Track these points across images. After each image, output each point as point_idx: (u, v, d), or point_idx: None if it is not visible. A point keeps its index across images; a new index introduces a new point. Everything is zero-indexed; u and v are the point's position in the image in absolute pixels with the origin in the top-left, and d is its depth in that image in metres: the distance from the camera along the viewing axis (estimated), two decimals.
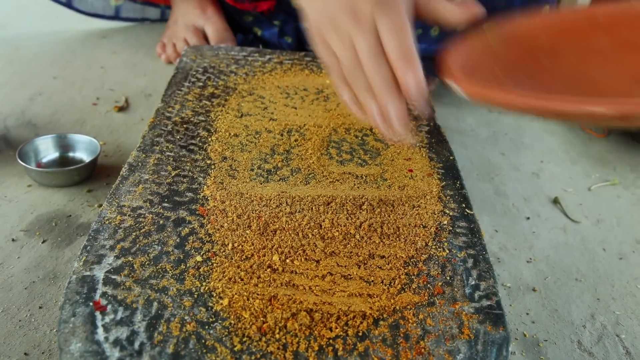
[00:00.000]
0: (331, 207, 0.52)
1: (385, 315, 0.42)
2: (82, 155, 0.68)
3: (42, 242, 0.57)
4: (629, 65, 0.59)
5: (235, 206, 0.50)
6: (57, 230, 0.59)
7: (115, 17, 1.10)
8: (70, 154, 0.68)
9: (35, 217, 0.60)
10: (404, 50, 0.45)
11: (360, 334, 0.40)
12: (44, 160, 0.67)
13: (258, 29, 0.98)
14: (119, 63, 0.98)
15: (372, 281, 0.45)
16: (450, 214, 0.53)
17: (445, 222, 0.52)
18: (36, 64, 0.95)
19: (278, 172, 0.56)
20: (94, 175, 0.67)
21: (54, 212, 0.61)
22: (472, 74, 0.52)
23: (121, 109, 0.83)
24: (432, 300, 0.44)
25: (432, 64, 0.94)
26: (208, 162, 0.56)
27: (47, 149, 0.67)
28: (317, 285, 0.44)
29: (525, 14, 0.64)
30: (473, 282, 0.46)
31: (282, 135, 0.62)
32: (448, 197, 0.55)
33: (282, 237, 0.48)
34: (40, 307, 0.50)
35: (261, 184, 0.54)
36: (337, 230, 0.49)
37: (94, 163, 0.66)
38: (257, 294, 0.42)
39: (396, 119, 0.47)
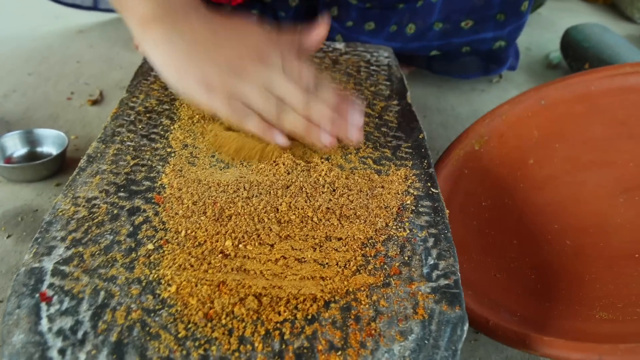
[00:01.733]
0: (290, 190, 0.51)
1: (337, 298, 0.41)
2: (52, 149, 0.68)
3: (7, 237, 0.57)
4: (621, 162, 0.58)
5: (192, 193, 0.50)
6: (23, 225, 0.58)
7: (94, 7, 1.10)
8: (39, 149, 0.68)
9: (2, 213, 0.60)
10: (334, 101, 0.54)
11: (309, 317, 0.39)
12: (15, 155, 0.67)
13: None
14: (95, 57, 0.97)
15: (327, 264, 0.44)
16: (415, 193, 0.52)
17: (409, 201, 0.51)
18: (12, 61, 0.94)
19: None
20: (64, 168, 0.67)
21: (21, 207, 0.61)
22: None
23: (95, 103, 0.83)
24: (387, 281, 0.43)
25: (408, 58, 0.93)
26: (168, 150, 0.56)
27: (14, 145, 0.67)
28: (268, 270, 0.43)
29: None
30: (432, 262, 0.45)
31: None
32: (414, 177, 0.54)
33: (237, 222, 0.47)
34: (1, 301, 0.50)
35: (221, 169, 0.53)
36: (294, 214, 0.48)
37: (61, 157, 0.65)
38: (206, 280, 0.41)
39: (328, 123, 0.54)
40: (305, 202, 0.50)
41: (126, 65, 0.95)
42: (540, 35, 1.20)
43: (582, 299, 0.50)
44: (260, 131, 0.53)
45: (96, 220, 0.46)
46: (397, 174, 0.54)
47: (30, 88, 0.86)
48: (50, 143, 0.67)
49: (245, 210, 0.48)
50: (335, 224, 0.48)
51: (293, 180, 0.52)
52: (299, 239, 0.46)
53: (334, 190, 0.51)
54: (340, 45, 0.83)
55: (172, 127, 0.59)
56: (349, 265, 0.44)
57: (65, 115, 0.79)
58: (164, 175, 0.52)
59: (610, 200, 0.57)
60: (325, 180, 0.52)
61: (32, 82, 0.88)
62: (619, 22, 1.32)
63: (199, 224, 0.46)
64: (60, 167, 0.66)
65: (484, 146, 0.64)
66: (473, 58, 0.91)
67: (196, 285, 0.41)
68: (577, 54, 0.96)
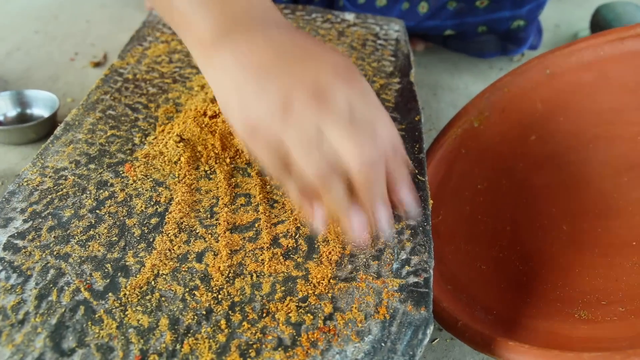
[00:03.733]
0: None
1: (295, 290, 0.39)
2: (43, 112, 0.67)
3: None
4: (628, 135, 0.53)
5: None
6: (2, 189, 0.58)
7: None
8: (29, 111, 0.67)
9: None
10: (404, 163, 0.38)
11: (264, 310, 0.38)
12: (7, 116, 0.66)
13: None
14: (105, 17, 0.96)
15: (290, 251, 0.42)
16: None
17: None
18: (20, 19, 0.93)
19: None
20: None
21: (3, 170, 0.60)
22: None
23: (97, 65, 0.81)
24: (352, 275, 0.41)
25: (423, 36, 0.87)
26: (150, 121, 0.54)
27: (5, 106, 0.66)
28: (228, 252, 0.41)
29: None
30: (404, 257, 0.42)
31: None
32: None
33: (203, 204, 0.45)
34: None
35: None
36: (265, 200, 0.46)
37: (51, 120, 0.64)
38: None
39: (386, 224, 0.38)
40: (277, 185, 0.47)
41: (136, 26, 0.92)
42: (572, 12, 1.13)
43: (566, 294, 0.47)
44: (298, 202, 0.39)
45: (60, 193, 0.45)
46: None
47: (34, 47, 0.85)
48: (42, 105, 0.66)
49: (212, 194, 0.46)
50: None
51: None
52: (265, 222, 0.44)
53: None
54: (349, 17, 0.79)
55: (158, 99, 0.57)
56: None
57: (65, 76, 0.78)
58: (139, 148, 0.50)
59: (614, 179, 0.52)
60: None
61: (37, 41, 0.87)
62: None
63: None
64: (50, 130, 0.65)
65: (483, 123, 0.59)
66: (490, 37, 0.86)
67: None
68: None
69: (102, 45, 0.86)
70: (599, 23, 0.94)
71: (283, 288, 0.39)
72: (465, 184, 0.58)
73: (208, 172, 0.48)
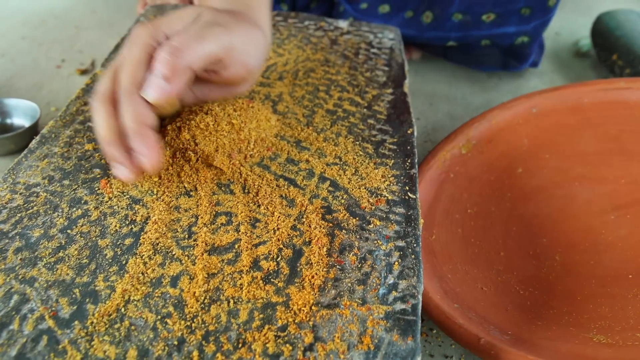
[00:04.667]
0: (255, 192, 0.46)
1: (274, 318, 0.37)
2: (24, 121, 0.65)
3: None
4: (612, 178, 0.56)
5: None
6: None
7: None
8: (9, 121, 0.65)
9: None
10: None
11: (240, 340, 0.35)
12: None
13: None
14: (95, 23, 0.94)
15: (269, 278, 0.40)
16: (389, 197, 0.47)
17: (381, 206, 0.46)
18: (8, 23, 0.91)
19: None
20: None
21: None
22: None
23: (84, 72, 0.79)
24: (336, 301, 0.38)
25: (422, 45, 0.85)
26: None
27: None
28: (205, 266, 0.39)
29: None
30: (392, 281, 0.40)
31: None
32: (392, 178, 0.49)
33: (181, 225, 0.43)
34: None
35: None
36: (248, 218, 0.44)
37: (32, 131, 0.62)
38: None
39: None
40: (261, 202, 0.45)
41: (125, 33, 0.91)
42: (573, 20, 1.11)
43: (576, 319, 0.46)
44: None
45: (30, 211, 0.43)
46: (375, 174, 0.49)
47: (20, 53, 0.83)
48: (22, 115, 0.64)
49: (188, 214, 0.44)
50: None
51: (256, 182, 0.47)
52: (246, 243, 0.42)
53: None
54: (343, 24, 0.77)
55: None
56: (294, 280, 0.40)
57: (50, 84, 0.76)
58: None
59: (601, 216, 0.54)
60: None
61: (24, 47, 0.85)
62: None
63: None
64: (30, 141, 0.62)
65: (471, 151, 0.61)
66: (493, 51, 0.84)
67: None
68: (607, 42, 0.88)
69: (91, 52, 0.84)
70: (601, 31, 0.92)
71: (261, 315, 0.37)
72: (455, 207, 0.58)
73: (189, 189, 0.46)
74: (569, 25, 1.09)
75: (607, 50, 0.87)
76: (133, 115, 0.40)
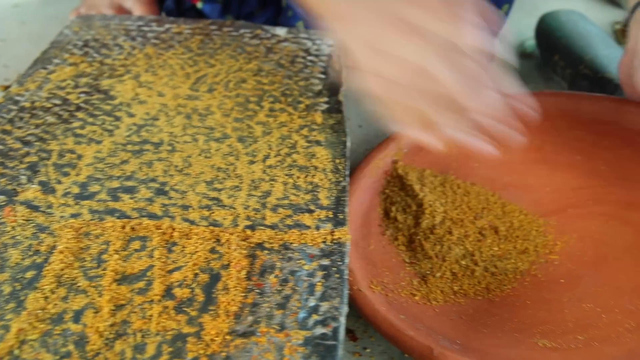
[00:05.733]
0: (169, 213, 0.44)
1: (184, 351, 0.34)
2: None
3: None
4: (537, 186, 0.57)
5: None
6: None
7: None
8: None
9: None
10: None
11: None
12: None
13: (200, 1, 0.88)
14: (24, 35, 0.90)
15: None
16: (317, 212, 0.45)
17: (308, 222, 0.44)
18: None
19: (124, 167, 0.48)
20: None
21: None
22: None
23: (7, 88, 0.75)
24: (252, 328, 0.36)
25: None
26: (43, 156, 0.49)
27: None
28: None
29: None
30: (313, 304, 0.38)
31: (145, 123, 0.54)
32: (323, 191, 0.47)
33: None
34: None
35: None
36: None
37: None
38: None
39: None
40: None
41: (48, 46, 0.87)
42: (519, 20, 1.10)
43: (518, 325, 0.46)
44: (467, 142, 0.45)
45: None
46: (305, 187, 0.47)
47: None
48: None
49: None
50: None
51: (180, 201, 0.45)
52: (159, 270, 0.39)
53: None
54: (281, 32, 0.75)
55: (55, 130, 0.52)
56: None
57: None
58: (24, 188, 0.45)
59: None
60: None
61: None
62: (606, 7, 1.22)
63: None
64: None
65: (403, 158, 0.59)
66: None
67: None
68: (549, 43, 0.88)
69: (17, 67, 0.80)
70: (544, 32, 0.91)
71: (170, 349, 0.35)
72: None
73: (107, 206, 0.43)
74: (516, 26, 1.08)
75: (550, 51, 0.87)
76: None
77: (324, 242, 0.43)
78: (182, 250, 0.41)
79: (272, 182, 0.48)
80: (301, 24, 0.84)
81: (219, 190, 0.46)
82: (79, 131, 0.51)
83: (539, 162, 0.59)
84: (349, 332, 0.48)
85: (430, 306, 0.48)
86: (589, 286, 0.48)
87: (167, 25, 0.72)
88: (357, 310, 0.45)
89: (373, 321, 0.44)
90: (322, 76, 0.65)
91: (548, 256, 0.51)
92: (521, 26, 1.07)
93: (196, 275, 0.39)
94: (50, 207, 0.43)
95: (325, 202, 0.46)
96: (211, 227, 0.43)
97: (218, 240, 0.42)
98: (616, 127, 0.57)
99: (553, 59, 0.85)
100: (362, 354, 0.47)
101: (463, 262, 0.51)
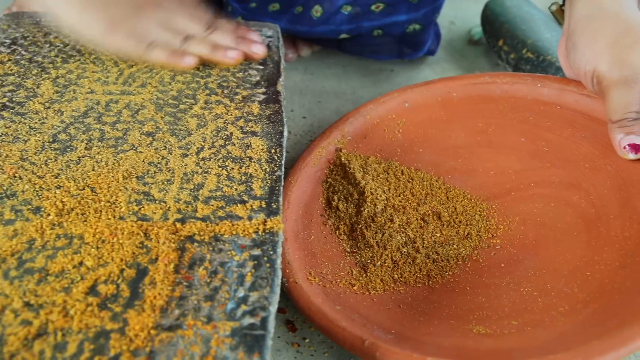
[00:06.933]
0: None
1: (107, 347, 0.34)
2: None
3: None
4: (482, 170, 0.58)
5: None
6: None
7: None
8: None
9: None
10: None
11: None
12: None
13: None
14: None
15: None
16: (249, 202, 0.45)
17: (240, 213, 0.44)
18: None
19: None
20: None
21: None
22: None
23: None
24: (179, 322, 0.36)
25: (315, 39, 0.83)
26: None
27: None
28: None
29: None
30: (242, 294, 0.38)
31: (75, 120, 0.52)
32: (257, 181, 0.47)
33: None
34: None
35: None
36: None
37: None
38: None
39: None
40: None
41: None
42: (466, 8, 1.11)
43: (455, 312, 0.46)
44: (166, 57, 0.56)
45: None
46: (238, 178, 0.47)
47: None
48: None
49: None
50: None
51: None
52: (84, 267, 0.38)
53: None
54: None
55: None
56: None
57: None
58: None
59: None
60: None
61: None
62: None
63: None
64: None
65: (347, 146, 0.60)
66: (386, 40, 0.82)
67: None
68: (494, 29, 0.89)
69: None
70: (488, 18, 0.92)
71: (92, 347, 0.34)
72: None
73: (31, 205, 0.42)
74: (463, 13, 1.09)
75: (494, 37, 0.88)
76: None
77: (256, 232, 0.42)
78: (109, 247, 0.40)
79: (205, 175, 0.47)
80: (240, 18, 0.83)
81: (150, 184, 0.45)
82: (4, 130, 0.50)
83: (483, 145, 0.59)
84: (289, 322, 0.47)
85: (369, 295, 0.48)
86: (528, 270, 0.48)
87: None
88: (293, 302, 0.44)
89: (307, 313, 0.44)
90: (260, 67, 0.64)
91: (490, 240, 0.52)
92: (469, 14, 1.08)
93: (122, 270, 0.38)
94: None
95: (258, 192, 0.46)
96: (139, 222, 0.42)
97: (147, 235, 0.41)
98: (558, 107, 0.57)
99: (498, 44, 0.85)
100: (301, 344, 0.46)
101: (404, 250, 0.51)
